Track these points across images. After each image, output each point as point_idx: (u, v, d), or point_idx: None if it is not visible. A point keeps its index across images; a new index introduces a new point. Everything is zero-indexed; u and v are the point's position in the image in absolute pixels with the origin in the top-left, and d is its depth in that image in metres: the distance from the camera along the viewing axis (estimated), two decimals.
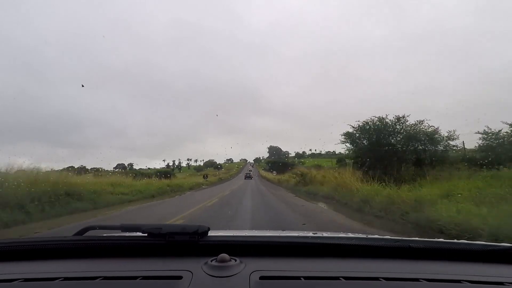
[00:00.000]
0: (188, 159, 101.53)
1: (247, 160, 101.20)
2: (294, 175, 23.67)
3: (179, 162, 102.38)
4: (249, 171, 59.62)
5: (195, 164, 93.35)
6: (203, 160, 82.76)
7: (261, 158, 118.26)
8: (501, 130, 11.27)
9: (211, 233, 1.07)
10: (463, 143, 14.38)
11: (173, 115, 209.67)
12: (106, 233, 1.24)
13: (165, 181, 22.86)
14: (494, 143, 11.30)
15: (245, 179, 45.12)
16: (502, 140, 11.11)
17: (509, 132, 11.08)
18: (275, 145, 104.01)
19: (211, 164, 72.15)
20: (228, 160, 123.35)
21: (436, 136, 12.51)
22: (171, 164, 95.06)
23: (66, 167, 16.61)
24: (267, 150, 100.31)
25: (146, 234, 1.05)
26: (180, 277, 0.84)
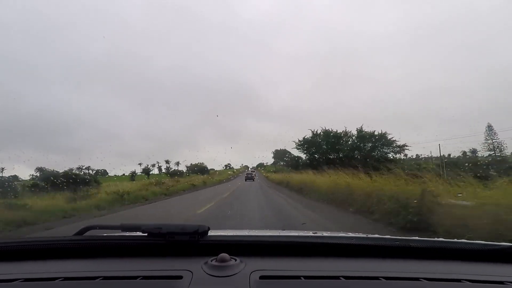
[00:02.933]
0: (166, 161, 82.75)
1: (248, 167, 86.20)
2: None
3: (157, 165, 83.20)
4: (251, 170, 57.20)
5: (175, 168, 74.36)
6: (191, 163, 64.84)
7: (265, 163, 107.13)
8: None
9: (211, 233, 1.07)
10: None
11: (169, 118, 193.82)
12: (106, 233, 1.25)
13: None
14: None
15: (245, 181, 42.06)
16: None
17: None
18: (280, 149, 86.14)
19: (199, 169, 54.28)
20: (226, 165, 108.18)
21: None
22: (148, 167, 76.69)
23: None
24: (272, 154, 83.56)
25: (146, 234, 1.04)
26: (180, 277, 0.84)
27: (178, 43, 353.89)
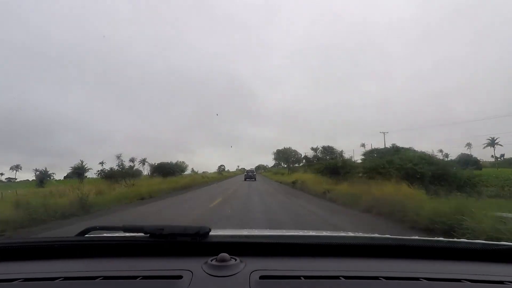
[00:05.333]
0: (130, 160, 67.78)
1: (245, 169, 72.64)
2: None
3: (121, 164, 67.89)
4: (251, 168, 54.76)
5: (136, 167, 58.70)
6: (155, 162, 48.46)
7: (265, 165, 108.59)
8: None
9: (211, 233, 1.08)
10: None
11: (163, 119, 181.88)
12: (107, 234, 1.26)
13: None
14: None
15: (245, 180, 37.55)
16: None
17: None
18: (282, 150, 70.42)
19: (162, 170, 39.34)
20: (219, 167, 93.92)
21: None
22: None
23: None
24: (273, 155, 69.12)
25: (148, 235, 1.04)
26: (180, 277, 0.84)
27: (175, 41, 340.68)
